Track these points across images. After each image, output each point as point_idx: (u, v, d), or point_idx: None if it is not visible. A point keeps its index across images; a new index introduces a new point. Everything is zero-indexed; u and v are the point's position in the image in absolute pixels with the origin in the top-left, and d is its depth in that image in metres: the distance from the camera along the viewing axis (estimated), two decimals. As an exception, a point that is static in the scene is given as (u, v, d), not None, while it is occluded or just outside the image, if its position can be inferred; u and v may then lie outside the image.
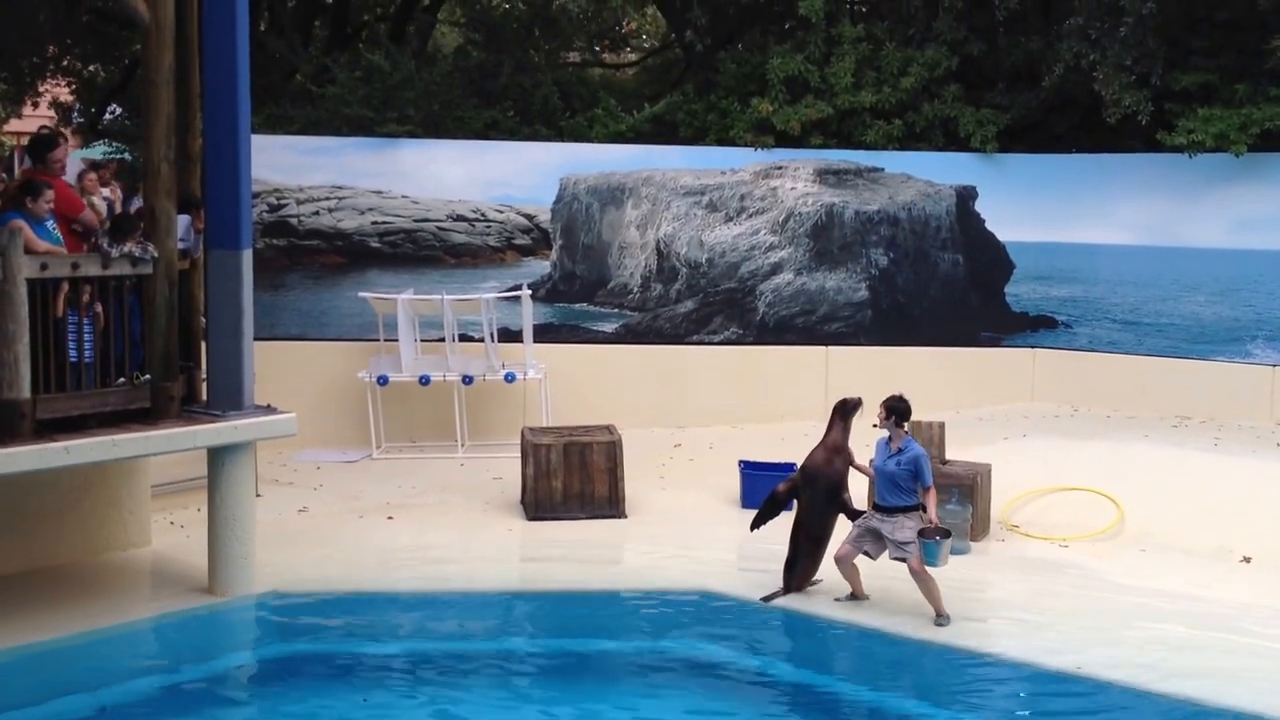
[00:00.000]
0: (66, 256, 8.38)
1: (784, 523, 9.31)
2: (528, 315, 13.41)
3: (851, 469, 9.16)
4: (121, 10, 9.67)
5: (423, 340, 13.46)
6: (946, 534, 8.63)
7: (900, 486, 8.67)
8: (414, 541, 10.50)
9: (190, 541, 10.01)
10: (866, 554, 8.82)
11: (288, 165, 13.89)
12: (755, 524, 9.37)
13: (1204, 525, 10.40)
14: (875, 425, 8.87)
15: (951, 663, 8.21)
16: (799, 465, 9.40)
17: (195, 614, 8.86)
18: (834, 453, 9.13)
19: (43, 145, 8.98)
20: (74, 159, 11.22)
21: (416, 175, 14.22)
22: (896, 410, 8.76)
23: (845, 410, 9.23)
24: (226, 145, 9.05)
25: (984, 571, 9.85)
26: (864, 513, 8.99)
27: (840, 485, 9.10)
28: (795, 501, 9.28)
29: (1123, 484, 10.97)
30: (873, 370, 13.39)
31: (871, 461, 8.97)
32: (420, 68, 15.13)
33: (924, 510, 8.63)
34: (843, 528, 9.14)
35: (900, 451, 8.71)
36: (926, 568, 8.60)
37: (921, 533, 8.56)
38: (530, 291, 13.61)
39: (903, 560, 8.63)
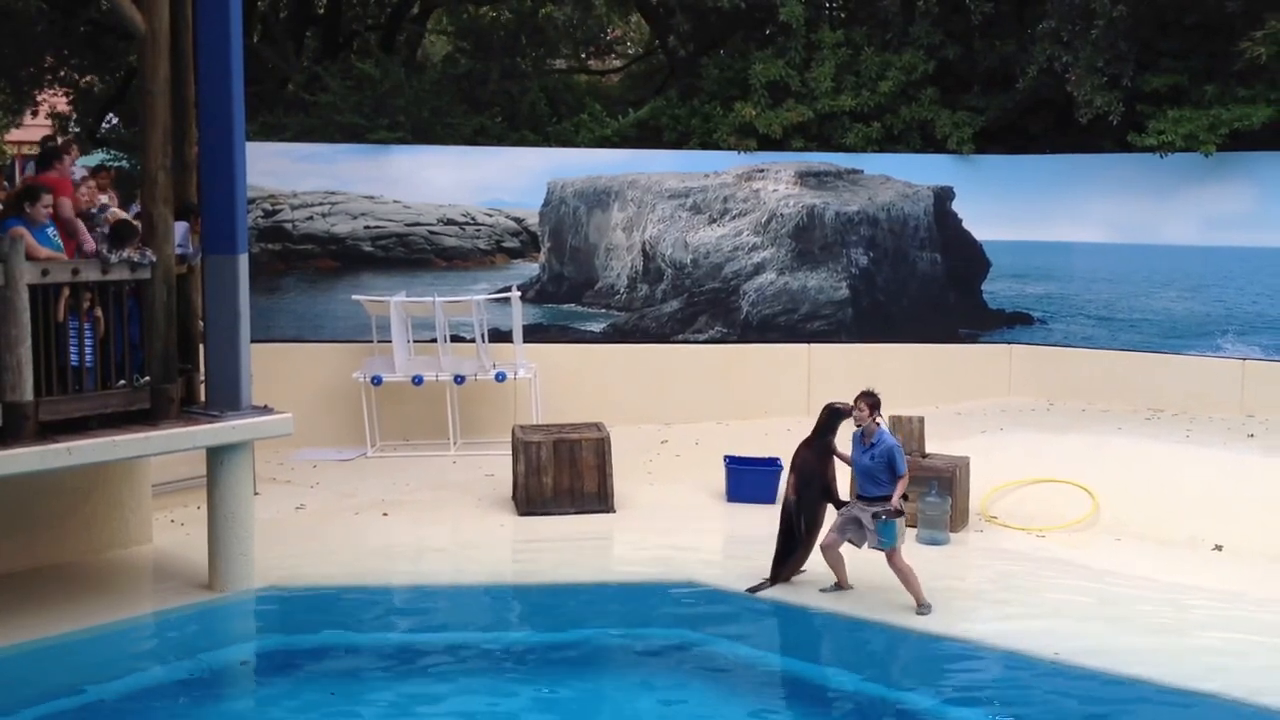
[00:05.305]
0: (67, 262, 8.52)
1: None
2: (517, 316, 13.58)
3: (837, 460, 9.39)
4: (118, 21, 9.82)
5: (415, 341, 13.60)
6: (899, 514, 8.81)
7: (877, 479, 8.92)
8: (408, 537, 10.65)
9: (190, 539, 10.17)
10: (851, 542, 9.02)
11: (282, 172, 14.07)
12: (783, 555, 9.36)
13: (1177, 515, 10.58)
14: (856, 425, 9.05)
15: (932, 650, 8.38)
16: (792, 467, 9.49)
17: (196, 609, 9.01)
18: (825, 455, 9.34)
19: (54, 155, 9.22)
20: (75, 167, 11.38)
21: (407, 180, 14.37)
22: (875, 404, 9.01)
23: (839, 416, 9.35)
24: (222, 153, 9.21)
25: (963, 561, 10.03)
26: (849, 502, 9.22)
27: (832, 483, 9.36)
28: (791, 498, 9.40)
29: (1098, 475, 11.16)
30: (854, 367, 13.57)
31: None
32: (410, 76, 15.28)
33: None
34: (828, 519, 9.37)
35: (873, 445, 8.95)
36: (887, 551, 8.81)
37: (875, 515, 8.79)
38: (520, 293, 13.78)
39: (882, 550, 8.88)
